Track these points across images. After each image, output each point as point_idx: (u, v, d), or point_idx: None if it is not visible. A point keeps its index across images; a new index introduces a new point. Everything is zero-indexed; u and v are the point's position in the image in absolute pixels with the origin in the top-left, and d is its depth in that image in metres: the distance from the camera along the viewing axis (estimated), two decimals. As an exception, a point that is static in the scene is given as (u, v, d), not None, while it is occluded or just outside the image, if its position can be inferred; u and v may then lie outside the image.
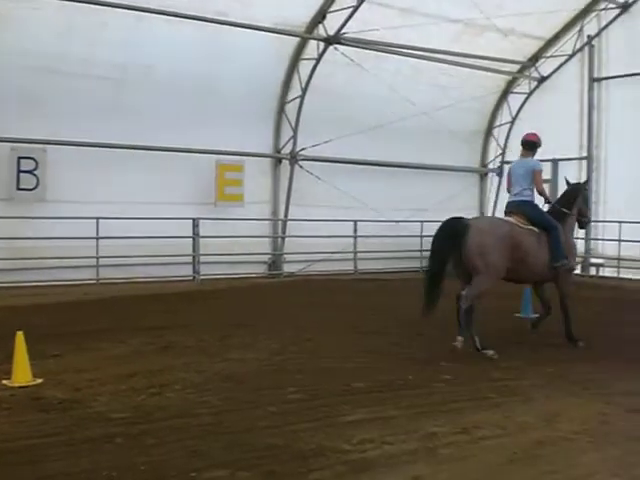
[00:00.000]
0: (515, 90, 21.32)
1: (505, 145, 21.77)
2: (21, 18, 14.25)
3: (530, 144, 10.18)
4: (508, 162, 21.55)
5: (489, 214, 21.96)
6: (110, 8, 14.46)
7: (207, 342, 9.63)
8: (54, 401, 6.72)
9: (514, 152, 21.09)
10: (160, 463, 5.19)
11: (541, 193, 10.06)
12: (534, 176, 9.93)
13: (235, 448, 5.53)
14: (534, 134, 10.33)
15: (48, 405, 6.60)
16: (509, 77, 21.00)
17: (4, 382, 7.32)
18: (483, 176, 22.48)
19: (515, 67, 20.68)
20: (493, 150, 22.13)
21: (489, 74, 19.99)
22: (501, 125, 21.74)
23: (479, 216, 8.99)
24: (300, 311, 12.60)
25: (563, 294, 9.99)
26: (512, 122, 21.45)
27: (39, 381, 7.36)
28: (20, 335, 7.46)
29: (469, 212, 21.37)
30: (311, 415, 6.40)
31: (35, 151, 15.17)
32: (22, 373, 7.34)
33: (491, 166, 22.20)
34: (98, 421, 6.12)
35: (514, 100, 21.37)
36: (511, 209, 9.98)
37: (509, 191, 10.26)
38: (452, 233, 9.21)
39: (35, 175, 15.18)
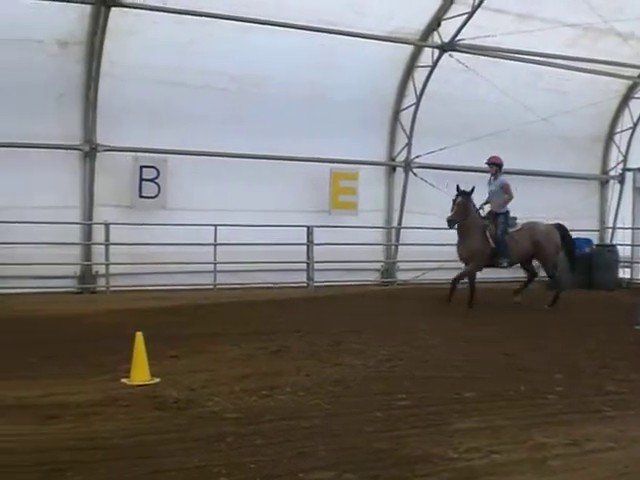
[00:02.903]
0: (637, 95, 20.59)
1: (627, 151, 21.06)
2: (141, 32, 14.85)
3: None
4: (630, 169, 20.91)
5: (610, 223, 21.37)
6: (226, 21, 14.91)
7: (318, 347, 9.76)
8: (170, 400, 6.97)
9: (637, 158, 20.57)
10: (269, 463, 5.31)
11: None
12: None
13: (342, 451, 5.60)
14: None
15: (164, 404, 6.86)
16: (630, 82, 20.31)
17: (123, 380, 7.66)
18: (604, 184, 21.78)
19: (636, 72, 19.97)
20: (614, 157, 21.43)
21: (609, 79, 19.39)
22: (622, 131, 21.02)
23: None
24: (412, 319, 12.58)
25: None
26: (634, 128, 20.73)
27: (156, 380, 7.66)
28: (139, 336, 7.78)
29: (589, 221, 20.94)
30: (418, 422, 6.40)
31: (157, 160, 15.78)
32: (141, 372, 7.66)
33: (612, 173, 21.51)
34: (211, 420, 6.33)
35: (636, 105, 20.65)
36: None
37: None
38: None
39: (157, 183, 15.78)
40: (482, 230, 14.24)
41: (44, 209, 14.42)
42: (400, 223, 18.53)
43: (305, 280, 17.26)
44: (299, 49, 15.90)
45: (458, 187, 14.06)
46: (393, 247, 18.74)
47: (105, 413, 6.54)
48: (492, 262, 14.60)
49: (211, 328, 11.18)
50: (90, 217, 15.40)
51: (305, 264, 17.26)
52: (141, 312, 12.46)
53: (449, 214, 13.93)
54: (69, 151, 15.24)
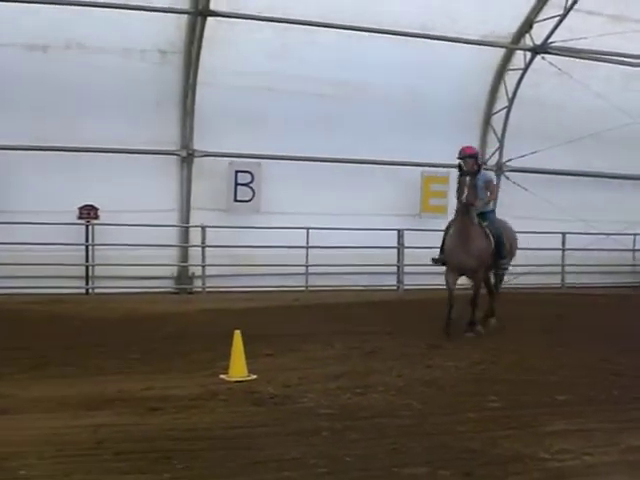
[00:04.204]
0: None
1: None
2: (237, 41, 15.29)
3: None
4: None
5: None
6: (321, 28, 15.20)
7: (410, 349, 9.87)
8: (267, 395, 7.25)
9: None
10: (363, 457, 5.49)
11: None
12: None
13: (434, 449, 5.73)
14: None
15: (261, 399, 7.13)
16: None
17: (222, 376, 7.96)
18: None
19: None
20: None
21: None
22: None
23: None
24: (504, 323, 12.52)
25: None
26: None
27: (253, 377, 7.94)
28: (238, 334, 8.07)
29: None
30: (510, 423, 6.47)
31: (251, 165, 16.20)
32: (238, 369, 7.95)
33: None
34: (307, 415, 6.57)
35: None
36: None
37: None
38: None
39: (251, 188, 16.21)
40: (482, 228, 11.21)
41: (143, 212, 14.96)
42: (492, 227, 18.40)
43: (395, 283, 17.36)
44: (393, 54, 16.05)
45: (461, 166, 10.93)
46: (484, 251, 18.61)
47: (205, 407, 6.84)
48: (491, 266, 11.78)
49: (304, 328, 11.42)
50: (187, 220, 15.94)
51: (395, 267, 17.36)
52: (236, 312, 12.81)
53: (463, 195, 10.64)
54: (167, 156, 15.81)
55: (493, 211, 11.99)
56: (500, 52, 17.57)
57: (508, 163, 18.27)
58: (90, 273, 15.43)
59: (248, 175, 16.18)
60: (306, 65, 15.70)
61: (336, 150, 16.38)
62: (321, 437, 5.94)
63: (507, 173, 18.29)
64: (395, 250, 17.30)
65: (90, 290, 15.42)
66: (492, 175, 12.36)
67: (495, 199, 12.02)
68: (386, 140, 16.58)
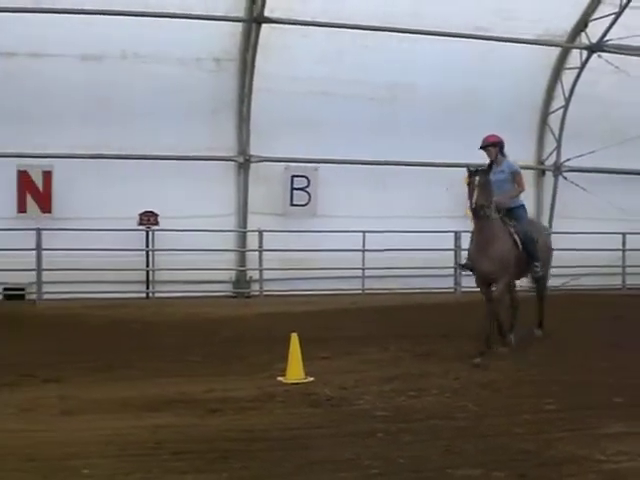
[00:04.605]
0: None
1: None
2: (291, 46, 15.45)
3: None
4: None
5: None
6: (375, 31, 15.28)
7: (465, 351, 9.86)
8: (323, 397, 7.39)
9: None
10: (417, 458, 5.54)
11: None
12: None
13: (489, 450, 5.75)
14: None
15: (318, 401, 7.27)
16: None
17: (279, 379, 8.12)
18: None
19: None
20: None
21: None
22: None
23: None
24: (562, 325, 12.38)
25: None
26: None
27: (310, 379, 8.08)
28: (295, 336, 8.21)
29: None
30: (566, 425, 6.45)
31: (307, 170, 16.35)
32: (295, 371, 8.11)
33: None
34: (362, 417, 6.66)
35: None
36: None
37: None
38: None
39: (307, 192, 16.36)
40: (507, 228, 10.26)
41: (201, 218, 15.23)
42: (550, 227, 18.18)
43: (452, 285, 17.31)
44: (446, 56, 15.97)
45: (469, 167, 10.09)
46: (541, 252, 18.42)
47: (263, 408, 7.00)
48: (523, 271, 10.83)
49: (360, 331, 11.53)
50: (244, 225, 16.13)
51: (453, 269, 17.31)
52: (293, 315, 12.94)
53: (473, 199, 9.66)
54: (225, 163, 16.05)
55: (522, 206, 10.88)
56: (556, 51, 17.39)
57: (566, 163, 18.05)
58: (150, 278, 15.73)
59: (304, 179, 16.34)
60: (359, 69, 15.77)
61: (391, 153, 16.38)
62: (376, 439, 6.02)
63: (565, 173, 18.07)
64: (452, 252, 17.24)
65: (150, 294, 15.73)
66: (517, 165, 11.35)
67: (523, 190, 10.91)
68: (442, 141, 16.46)
